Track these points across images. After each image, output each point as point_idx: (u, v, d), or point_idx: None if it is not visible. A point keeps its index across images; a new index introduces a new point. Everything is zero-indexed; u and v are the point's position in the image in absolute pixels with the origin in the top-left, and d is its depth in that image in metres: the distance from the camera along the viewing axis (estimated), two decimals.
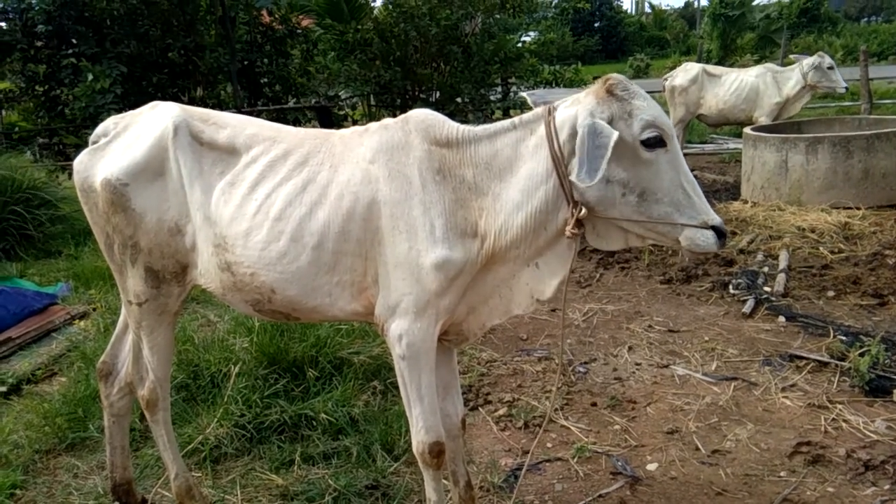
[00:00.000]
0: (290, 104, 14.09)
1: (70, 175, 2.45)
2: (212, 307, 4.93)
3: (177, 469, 2.69)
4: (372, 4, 14.70)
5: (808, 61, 8.41)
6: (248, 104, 13.26)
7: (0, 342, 4.57)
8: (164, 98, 2.88)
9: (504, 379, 3.99)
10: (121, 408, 2.72)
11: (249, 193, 2.19)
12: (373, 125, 2.28)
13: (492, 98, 13.26)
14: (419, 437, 2.22)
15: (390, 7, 12.10)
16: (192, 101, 12.32)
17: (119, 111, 2.51)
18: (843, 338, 4.14)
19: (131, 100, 10.06)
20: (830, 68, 8.34)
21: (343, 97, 14.59)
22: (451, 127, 2.19)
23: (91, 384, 3.57)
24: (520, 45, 14.11)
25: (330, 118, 12.91)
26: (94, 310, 5.11)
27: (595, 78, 2.19)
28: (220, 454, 3.20)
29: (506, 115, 12.86)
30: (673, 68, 10.29)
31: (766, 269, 5.53)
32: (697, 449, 3.20)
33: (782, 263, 5.54)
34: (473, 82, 12.17)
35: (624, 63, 33.92)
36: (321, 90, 14.38)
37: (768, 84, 8.66)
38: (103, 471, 3.07)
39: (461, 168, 2.14)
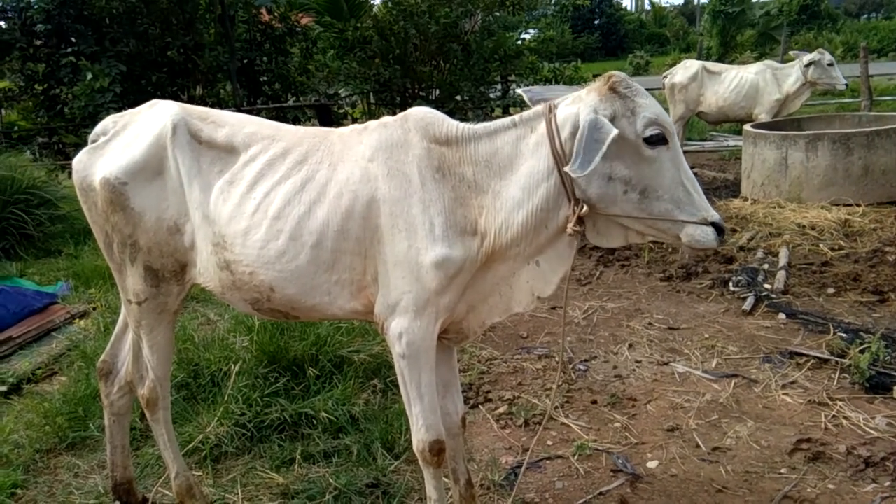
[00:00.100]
0: (290, 102, 14.09)
1: (70, 174, 2.45)
2: (212, 306, 4.93)
3: (177, 468, 2.69)
4: (371, 2, 14.71)
5: (806, 58, 8.39)
6: (248, 102, 13.27)
7: (0, 341, 4.57)
8: (163, 97, 2.88)
9: (504, 377, 3.99)
10: (121, 407, 2.72)
11: (248, 192, 2.19)
12: (372, 123, 2.27)
13: (491, 96, 13.24)
14: (419, 436, 2.22)
15: (390, 5, 12.09)
16: (191, 100, 12.32)
17: (118, 110, 2.51)
18: (844, 335, 4.14)
19: (131, 98, 10.08)
20: (830, 65, 8.33)
21: (343, 95, 14.59)
22: (451, 125, 2.18)
23: (91, 383, 3.57)
24: (519, 42, 14.08)
25: (329, 116, 12.91)
26: (94, 309, 5.11)
27: (595, 76, 2.19)
28: (221, 453, 3.20)
29: (505, 112, 12.84)
30: (673, 66, 10.28)
31: (766, 266, 5.53)
32: (698, 446, 3.20)
33: (782, 260, 5.54)
34: (473, 80, 12.16)
35: (624, 60, 33.89)
36: (321, 88, 14.38)
37: (768, 81, 8.65)
38: (104, 470, 3.07)
39: (461, 166, 2.13)
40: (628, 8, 54.71)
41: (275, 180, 2.18)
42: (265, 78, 13.98)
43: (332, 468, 3.08)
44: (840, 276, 5.14)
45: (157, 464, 3.16)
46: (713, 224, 1.99)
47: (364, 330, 4.08)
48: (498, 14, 12.85)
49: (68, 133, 12.00)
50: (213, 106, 10.74)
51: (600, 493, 2.89)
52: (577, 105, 2.00)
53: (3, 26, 11.94)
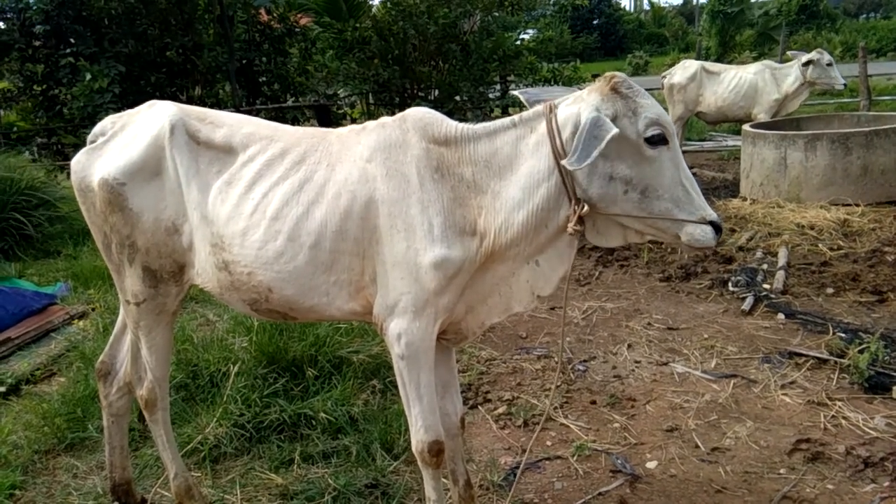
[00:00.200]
0: (289, 103, 14.09)
1: (69, 175, 2.44)
2: (211, 306, 4.93)
3: (176, 469, 2.69)
4: (370, 3, 14.70)
5: (805, 57, 8.40)
6: (247, 103, 13.26)
7: None
8: (162, 97, 2.88)
9: (503, 377, 3.99)
10: (119, 408, 2.72)
11: (246, 193, 2.19)
12: (370, 124, 2.27)
13: (490, 96, 13.25)
14: (418, 436, 2.22)
15: (388, 5, 12.09)
16: (190, 101, 12.32)
17: (117, 110, 2.51)
18: (843, 335, 4.14)
19: (129, 99, 10.07)
20: (829, 65, 8.33)
21: (342, 96, 14.59)
22: (450, 125, 2.18)
23: (90, 384, 3.56)
24: (518, 42, 14.08)
25: (328, 117, 12.91)
26: (93, 310, 5.11)
27: (594, 76, 2.20)
28: (220, 454, 3.20)
29: (504, 113, 12.84)
30: (672, 66, 10.28)
31: (765, 266, 5.53)
32: (697, 447, 3.20)
33: (781, 260, 5.54)
34: (472, 80, 12.16)
35: (623, 60, 33.91)
36: (320, 89, 14.38)
37: (767, 81, 8.65)
38: (102, 471, 3.07)
39: (460, 166, 2.13)
40: (627, 8, 54.75)
41: (273, 181, 2.18)
42: (264, 78, 13.98)
43: (331, 469, 3.07)
44: (839, 276, 5.14)
45: (155, 464, 3.16)
46: (711, 223, 2.01)
47: (363, 330, 4.07)
48: (497, 14, 12.86)
49: (67, 134, 11.98)
50: (212, 106, 10.75)
51: (599, 494, 2.89)
52: (579, 105, 2.00)
53: (2, 27, 11.93)
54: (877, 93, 14.72)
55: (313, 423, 3.33)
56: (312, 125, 11.97)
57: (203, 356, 3.74)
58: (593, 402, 3.66)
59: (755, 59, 15.33)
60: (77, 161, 2.34)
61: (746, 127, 8.02)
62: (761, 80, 8.68)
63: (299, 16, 14.39)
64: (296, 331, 3.82)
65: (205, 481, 3.03)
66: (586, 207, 2.00)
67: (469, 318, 2.30)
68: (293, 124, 10.30)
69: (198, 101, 12.31)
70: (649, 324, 4.65)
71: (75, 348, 4.35)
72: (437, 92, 12.26)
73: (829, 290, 4.95)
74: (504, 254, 2.13)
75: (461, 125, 2.19)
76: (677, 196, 2.01)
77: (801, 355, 3.97)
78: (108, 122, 2.40)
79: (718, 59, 22.54)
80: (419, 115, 2.21)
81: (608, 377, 3.93)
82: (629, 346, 4.32)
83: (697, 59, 12.76)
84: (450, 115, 2.42)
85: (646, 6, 54.13)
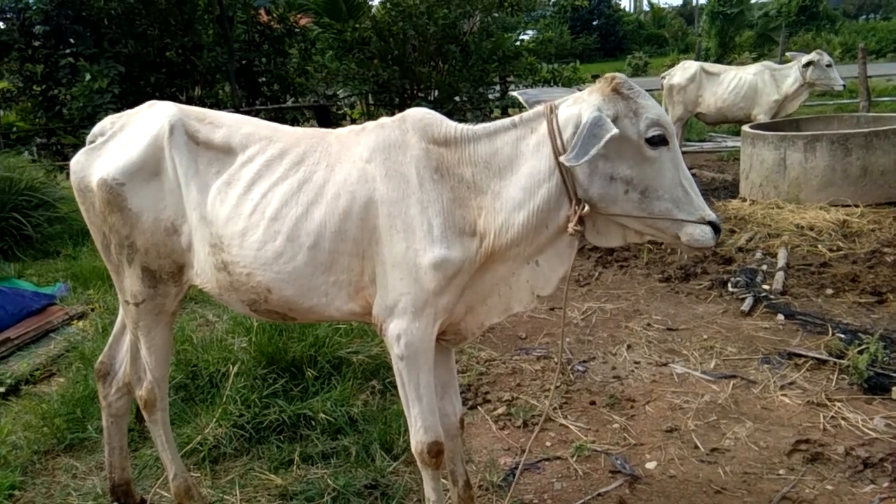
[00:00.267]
0: (289, 103, 14.09)
1: (68, 175, 2.44)
2: (210, 307, 4.93)
3: (175, 469, 2.69)
4: (370, 3, 14.70)
5: (805, 58, 8.41)
6: (247, 103, 13.27)
7: None
8: (162, 97, 2.88)
9: (503, 378, 3.99)
10: (119, 408, 2.72)
11: (245, 193, 2.19)
12: (369, 124, 2.27)
13: (490, 97, 13.25)
14: (418, 437, 2.22)
15: (388, 6, 12.09)
16: (190, 101, 12.32)
17: (117, 111, 2.51)
18: (842, 335, 4.14)
19: (129, 99, 10.07)
20: (829, 66, 8.34)
21: (341, 96, 14.59)
22: (449, 126, 2.19)
23: (89, 385, 3.56)
24: (518, 43, 14.08)
25: (328, 117, 12.91)
26: (93, 310, 5.11)
27: (594, 76, 2.21)
28: (219, 454, 3.20)
29: (504, 113, 12.85)
30: (671, 66, 10.28)
31: (764, 267, 5.53)
32: (696, 447, 3.20)
33: (781, 261, 5.54)
34: (472, 81, 12.16)
35: (622, 61, 33.91)
36: (319, 89, 14.38)
37: (766, 82, 8.66)
38: (102, 471, 3.07)
39: (459, 167, 2.13)
40: (627, 9, 54.77)
41: (272, 181, 2.18)
42: (264, 79, 13.98)
43: (330, 469, 3.07)
44: (838, 277, 5.15)
45: (155, 465, 3.16)
46: (710, 223, 2.02)
47: (363, 331, 4.07)
48: (496, 15, 12.85)
49: (67, 134, 11.98)
50: (211, 107, 10.73)
51: (599, 494, 2.89)
52: (580, 105, 2.01)
53: (2, 27, 11.93)
54: (876, 94, 14.73)
55: (313, 423, 3.33)
56: (312, 126, 11.99)
57: (202, 357, 3.73)
58: (593, 403, 3.66)
59: (755, 60, 15.34)
60: (76, 161, 2.34)
61: (746, 128, 8.03)
62: (761, 81, 8.68)
63: (299, 16, 14.39)
64: (295, 331, 3.82)
65: (204, 482, 3.03)
66: (587, 208, 2.01)
67: (468, 318, 2.30)
68: (293, 125, 10.31)
69: (197, 102, 12.31)
70: (649, 324, 4.65)
71: (75, 349, 4.35)
72: (436, 92, 12.27)
73: (829, 291, 4.95)
74: (504, 254, 2.13)
75: (461, 126, 2.20)
76: (677, 196, 2.02)
77: (800, 356, 3.98)
78: (107, 123, 2.40)
79: (718, 60, 22.56)
80: (419, 115, 2.21)
81: (608, 378, 3.93)
82: (629, 346, 4.32)
83: (697, 59, 12.75)
84: (449, 115, 2.42)
85: (645, 7, 54.17)
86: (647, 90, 2.07)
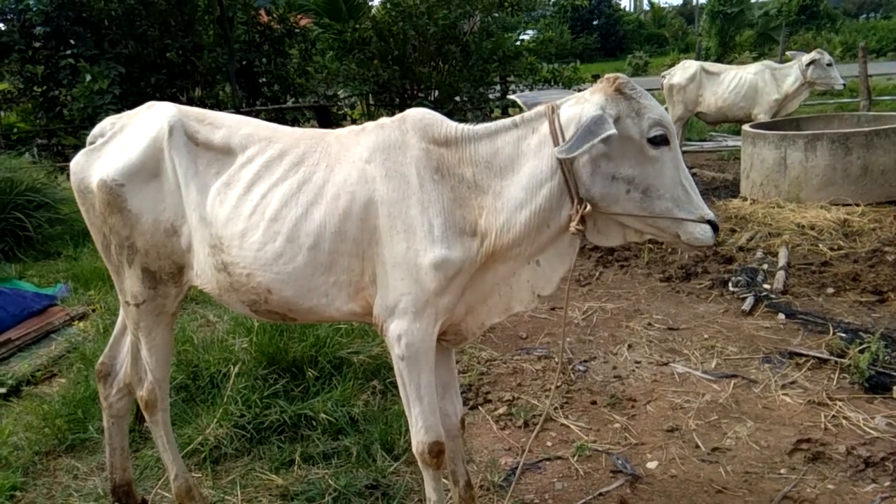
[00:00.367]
0: (289, 104, 14.10)
1: (69, 176, 2.45)
2: (211, 307, 4.93)
3: (176, 470, 2.69)
4: (370, 3, 14.71)
5: (806, 57, 8.40)
6: (247, 104, 13.28)
7: None
8: (162, 98, 2.88)
9: (504, 378, 3.99)
10: (120, 409, 2.72)
11: (245, 194, 2.19)
12: (369, 124, 2.27)
13: (490, 97, 13.25)
14: (419, 437, 2.22)
15: (388, 6, 12.09)
16: (190, 102, 12.33)
17: (117, 111, 2.52)
18: (843, 335, 4.14)
19: (130, 100, 10.08)
20: (829, 65, 8.34)
21: (342, 97, 14.59)
22: (450, 126, 2.19)
23: (90, 385, 3.56)
24: (518, 43, 14.09)
25: (328, 118, 12.92)
26: (94, 311, 5.11)
27: (594, 76, 2.21)
28: (220, 455, 3.20)
29: (504, 113, 12.85)
30: (672, 66, 10.28)
31: (765, 266, 5.53)
32: (697, 447, 3.20)
33: (782, 261, 5.54)
34: (472, 81, 12.16)
35: (623, 61, 33.90)
36: (320, 90, 14.39)
37: (767, 81, 8.65)
38: (103, 472, 3.07)
39: (460, 167, 2.14)
40: (627, 8, 54.73)
41: (272, 182, 2.18)
42: (264, 79, 14.00)
43: (331, 469, 3.07)
44: (839, 276, 5.14)
45: (156, 465, 3.16)
46: (709, 222, 2.04)
47: (363, 331, 4.07)
48: (497, 15, 12.86)
49: (67, 135, 12.00)
50: (212, 107, 10.75)
51: (600, 494, 2.89)
52: (582, 105, 2.02)
53: (2, 28, 11.94)
54: (877, 93, 14.71)
55: (314, 423, 3.33)
56: (312, 126, 12.00)
57: (203, 357, 3.73)
58: (594, 403, 3.66)
59: (755, 60, 15.31)
60: (76, 162, 2.34)
61: (746, 127, 8.02)
62: (761, 81, 8.68)
63: (299, 17, 14.41)
64: (296, 332, 3.82)
65: (205, 482, 3.03)
66: (589, 207, 2.02)
67: (469, 318, 2.30)
68: (293, 125, 10.31)
69: (198, 103, 12.33)
70: (650, 324, 4.65)
71: (76, 349, 4.35)
72: (436, 93, 12.27)
73: (830, 290, 4.94)
74: (505, 254, 2.13)
75: (461, 126, 2.20)
76: (677, 196, 2.03)
77: (801, 355, 3.97)
78: (107, 124, 2.40)
79: (718, 60, 22.54)
80: (419, 115, 2.21)
81: (608, 377, 3.93)
82: (629, 346, 4.32)
83: (697, 59, 12.75)
84: (450, 115, 2.42)
85: (645, 6, 54.14)
86: (647, 90, 2.08)
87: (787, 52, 9.52)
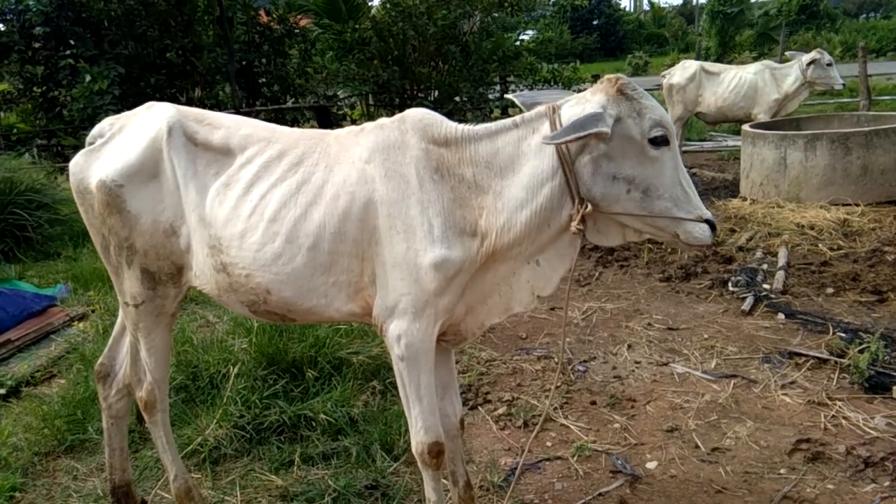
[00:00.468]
0: (289, 104, 14.10)
1: (68, 176, 2.44)
2: (210, 308, 4.93)
3: (176, 470, 2.68)
4: (370, 4, 14.71)
5: (806, 57, 8.40)
6: (247, 104, 13.28)
7: None
8: (162, 99, 2.88)
9: (503, 378, 3.99)
10: (119, 409, 2.72)
11: (244, 195, 2.19)
12: (368, 125, 2.27)
13: (490, 97, 13.25)
14: (418, 438, 2.22)
15: (388, 6, 12.09)
16: (190, 102, 12.32)
17: (117, 112, 2.51)
18: (843, 335, 4.14)
19: (129, 101, 10.08)
20: (829, 65, 8.34)
21: (341, 97, 14.60)
22: (449, 126, 2.19)
23: (90, 386, 3.56)
24: (518, 43, 14.10)
25: (328, 118, 12.92)
26: (93, 311, 5.11)
27: (594, 76, 2.22)
28: (220, 455, 3.20)
29: (504, 113, 12.85)
30: (671, 66, 10.28)
31: (765, 266, 5.53)
32: (697, 447, 3.20)
33: (781, 260, 5.54)
34: (472, 81, 12.17)
35: (623, 61, 33.91)
36: (319, 90, 14.39)
37: (767, 81, 8.65)
38: (102, 473, 3.07)
39: (460, 167, 2.14)
40: (627, 8, 54.75)
41: (271, 182, 2.18)
42: (264, 79, 14.00)
43: (331, 470, 3.07)
44: (839, 276, 5.14)
45: (156, 466, 3.16)
46: (707, 221, 2.05)
47: (363, 331, 4.07)
48: (496, 15, 12.87)
49: (67, 135, 12.01)
50: (212, 108, 10.75)
51: (599, 494, 2.89)
52: (583, 105, 2.03)
53: (2, 29, 11.94)
54: (876, 93, 14.71)
55: (313, 424, 3.33)
56: (312, 126, 12.00)
57: (203, 358, 3.73)
58: (593, 403, 3.66)
59: (755, 60, 15.32)
60: (75, 163, 2.34)
61: (746, 127, 8.02)
62: (761, 81, 8.67)
63: (299, 17, 14.41)
64: (295, 332, 3.82)
65: (205, 483, 3.03)
66: (590, 207, 2.02)
67: (469, 318, 2.30)
68: (293, 125, 10.29)
69: (198, 103, 12.33)
70: (649, 324, 4.65)
71: (75, 350, 4.35)
72: (436, 93, 12.27)
73: (829, 290, 4.94)
74: (506, 253, 2.14)
75: (461, 126, 2.20)
76: (676, 195, 2.05)
77: (801, 355, 3.97)
78: (106, 124, 2.40)
79: (718, 60, 22.54)
80: (418, 116, 2.21)
81: (608, 378, 3.93)
82: (629, 346, 4.32)
83: (697, 59, 12.75)
84: (449, 115, 2.42)
85: (645, 6, 54.16)
86: (647, 90, 2.09)
87: (787, 53, 9.52)
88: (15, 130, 13.03)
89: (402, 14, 11.55)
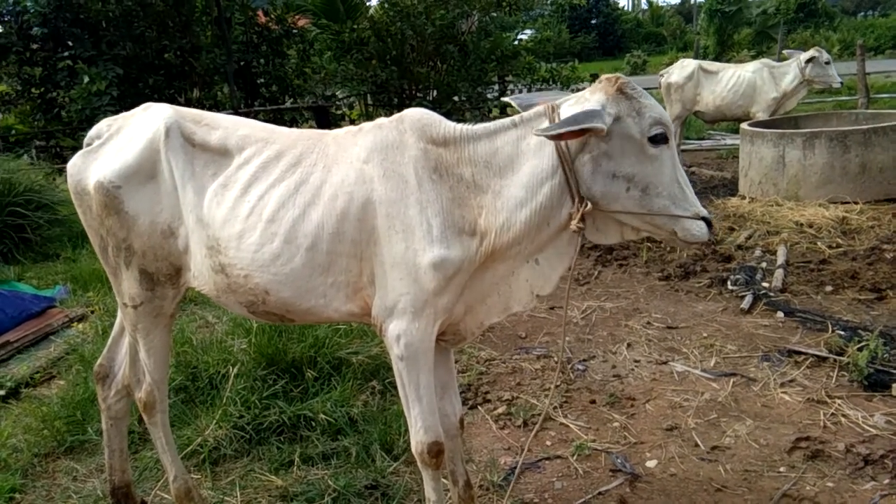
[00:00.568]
0: (287, 104, 14.09)
1: (67, 178, 2.44)
2: (210, 308, 4.92)
3: (176, 471, 2.68)
4: (368, 4, 14.70)
5: (805, 55, 8.41)
6: (245, 105, 13.27)
7: None
8: (160, 99, 2.88)
9: (503, 377, 3.99)
10: (118, 410, 2.71)
11: (242, 195, 2.19)
12: (366, 125, 2.27)
13: (489, 96, 13.24)
14: (418, 437, 2.22)
15: (386, 6, 12.09)
16: (188, 103, 12.32)
17: (116, 113, 2.51)
18: (842, 332, 4.14)
19: (128, 101, 10.07)
20: (827, 63, 8.34)
21: (340, 97, 14.59)
22: (448, 126, 2.19)
23: (89, 387, 3.56)
24: (516, 42, 14.09)
25: (327, 118, 12.91)
26: (93, 312, 5.11)
27: (592, 75, 2.22)
28: (220, 456, 3.20)
29: (503, 113, 12.84)
30: (670, 65, 10.27)
31: (764, 264, 5.53)
32: (697, 445, 3.20)
33: (780, 259, 5.54)
34: (470, 81, 12.16)
35: (621, 60, 33.91)
36: (318, 90, 14.38)
37: (765, 79, 8.65)
38: (102, 474, 3.07)
39: (459, 167, 2.14)
40: (625, 7, 54.76)
41: (269, 183, 2.18)
42: (262, 80, 13.98)
43: (330, 470, 3.07)
44: (838, 274, 5.14)
45: (155, 467, 3.16)
46: (703, 219, 2.07)
47: (362, 331, 4.07)
48: (495, 14, 12.85)
49: (65, 136, 11.99)
50: (210, 108, 10.74)
51: (599, 493, 2.89)
52: (582, 105, 2.03)
53: (0, 30, 11.93)
54: (875, 91, 14.73)
55: (313, 424, 3.33)
56: (311, 126, 11.99)
57: (202, 358, 3.73)
58: (593, 402, 3.66)
59: (753, 58, 15.33)
60: (73, 164, 2.34)
61: (745, 125, 8.02)
62: (759, 79, 8.68)
63: (297, 17, 14.40)
64: (295, 332, 3.82)
65: (205, 483, 3.03)
66: (589, 205, 2.02)
67: (468, 318, 2.31)
68: (291, 126, 10.28)
69: (196, 103, 12.32)
70: (648, 323, 4.65)
71: (74, 351, 4.35)
72: (435, 92, 12.26)
73: (828, 288, 4.95)
74: (505, 253, 2.14)
75: (460, 126, 2.20)
76: (674, 193, 2.06)
77: (800, 353, 3.97)
78: (103, 125, 2.39)
79: (716, 58, 22.56)
80: (416, 115, 2.21)
81: (608, 376, 3.93)
82: (628, 345, 4.32)
83: (695, 58, 12.76)
84: (448, 115, 2.43)
85: (643, 5, 54.18)
86: (645, 89, 2.10)
87: (784, 51, 9.52)
88: (13, 132, 13.01)
89: (401, 14, 11.54)
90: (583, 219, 2.05)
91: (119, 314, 2.61)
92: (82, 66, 10.66)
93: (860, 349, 3.75)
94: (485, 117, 12.31)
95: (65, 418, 3.50)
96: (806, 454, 3.05)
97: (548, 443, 3.31)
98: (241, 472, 3.11)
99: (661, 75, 9.59)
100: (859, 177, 6.88)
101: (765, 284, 5.09)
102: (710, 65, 9.33)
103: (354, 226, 2.11)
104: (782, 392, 3.60)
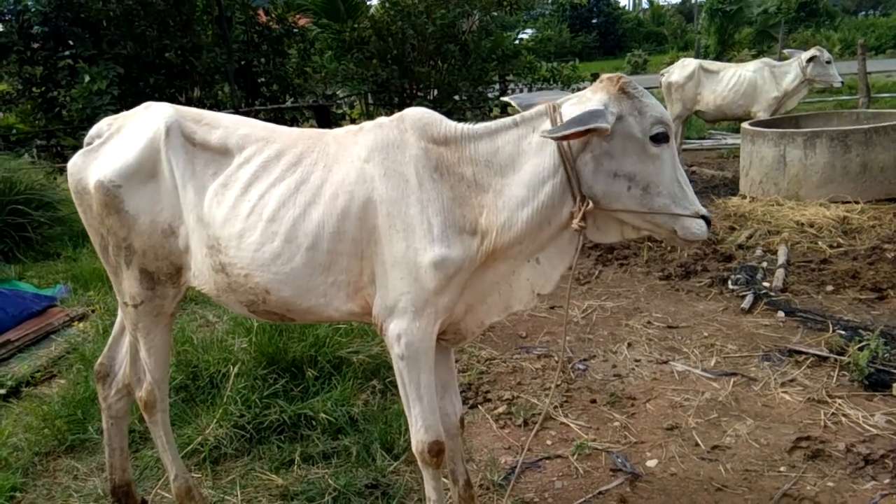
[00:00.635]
0: (288, 104, 14.10)
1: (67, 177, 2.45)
2: (210, 308, 4.93)
3: (176, 470, 2.69)
4: (368, 3, 14.70)
5: (806, 54, 8.40)
6: (246, 104, 13.27)
7: None
8: (161, 99, 2.88)
9: (503, 377, 3.99)
10: (119, 409, 2.72)
11: (242, 194, 2.19)
12: (367, 124, 2.27)
13: (489, 96, 13.24)
14: (419, 437, 2.22)
15: (387, 5, 12.09)
16: (189, 102, 12.32)
17: (116, 112, 2.51)
18: (843, 332, 4.14)
19: (128, 101, 10.07)
20: (828, 62, 8.33)
21: (340, 96, 14.59)
22: (448, 125, 2.19)
23: (90, 386, 3.56)
24: (517, 42, 14.10)
25: (328, 117, 12.92)
26: (93, 311, 5.11)
27: (593, 75, 2.22)
28: (220, 455, 3.20)
29: (504, 112, 12.84)
30: (670, 64, 10.26)
31: (764, 264, 5.53)
32: (697, 445, 3.20)
33: (781, 258, 5.54)
34: (471, 80, 12.16)
35: (622, 59, 33.88)
36: (318, 89, 14.39)
37: (766, 79, 8.64)
38: (103, 472, 3.07)
39: (460, 166, 2.14)
40: (626, 7, 54.71)
41: (269, 182, 2.18)
42: (263, 79, 13.99)
43: (331, 469, 3.07)
44: (839, 274, 5.14)
45: (156, 466, 3.16)
46: (703, 217, 2.08)
47: (363, 331, 4.07)
48: (495, 14, 12.86)
49: (66, 136, 11.99)
50: (211, 107, 10.75)
51: (600, 493, 2.89)
52: (584, 104, 2.03)
53: (1, 29, 11.93)
54: (876, 90, 14.73)
55: (313, 423, 3.33)
56: (312, 126, 12.00)
57: (203, 357, 3.73)
58: (593, 401, 3.66)
59: (754, 57, 15.32)
60: (73, 163, 2.34)
61: (745, 125, 8.01)
62: (760, 78, 8.67)
63: (298, 16, 14.40)
64: (295, 331, 3.82)
65: (205, 482, 3.03)
66: (591, 204, 2.03)
67: (468, 317, 2.31)
68: (292, 125, 10.32)
69: (197, 103, 12.32)
70: (649, 322, 4.65)
71: (75, 350, 4.35)
72: (435, 92, 12.27)
73: (829, 288, 4.94)
74: (506, 252, 2.14)
75: (460, 125, 2.20)
76: (674, 192, 2.07)
77: (800, 353, 3.97)
78: (104, 125, 2.39)
79: (717, 58, 22.52)
80: (417, 115, 2.21)
81: (608, 376, 3.93)
82: (629, 344, 4.32)
83: (696, 57, 12.75)
84: (448, 114, 2.43)
85: (644, 5, 54.19)
86: (646, 88, 2.10)
87: (785, 51, 9.51)
88: (14, 131, 13.01)
89: (401, 13, 11.54)
90: (584, 218, 2.05)
91: (119, 313, 2.61)
92: (83, 66, 10.66)
93: (861, 349, 3.75)
94: (485, 117, 12.31)
95: (65, 417, 3.50)
96: (806, 454, 3.05)
97: (548, 442, 3.31)
98: (241, 471, 3.11)
99: (662, 75, 9.58)
100: (860, 176, 6.88)
101: (765, 284, 5.09)
102: (710, 64, 9.32)
103: (355, 225, 2.11)
104: (783, 392, 3.60)
